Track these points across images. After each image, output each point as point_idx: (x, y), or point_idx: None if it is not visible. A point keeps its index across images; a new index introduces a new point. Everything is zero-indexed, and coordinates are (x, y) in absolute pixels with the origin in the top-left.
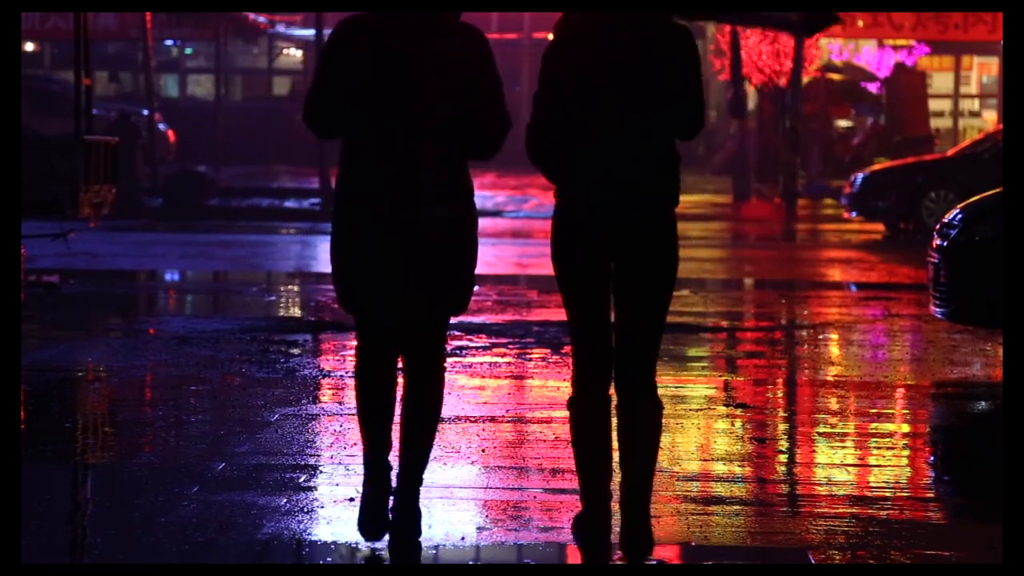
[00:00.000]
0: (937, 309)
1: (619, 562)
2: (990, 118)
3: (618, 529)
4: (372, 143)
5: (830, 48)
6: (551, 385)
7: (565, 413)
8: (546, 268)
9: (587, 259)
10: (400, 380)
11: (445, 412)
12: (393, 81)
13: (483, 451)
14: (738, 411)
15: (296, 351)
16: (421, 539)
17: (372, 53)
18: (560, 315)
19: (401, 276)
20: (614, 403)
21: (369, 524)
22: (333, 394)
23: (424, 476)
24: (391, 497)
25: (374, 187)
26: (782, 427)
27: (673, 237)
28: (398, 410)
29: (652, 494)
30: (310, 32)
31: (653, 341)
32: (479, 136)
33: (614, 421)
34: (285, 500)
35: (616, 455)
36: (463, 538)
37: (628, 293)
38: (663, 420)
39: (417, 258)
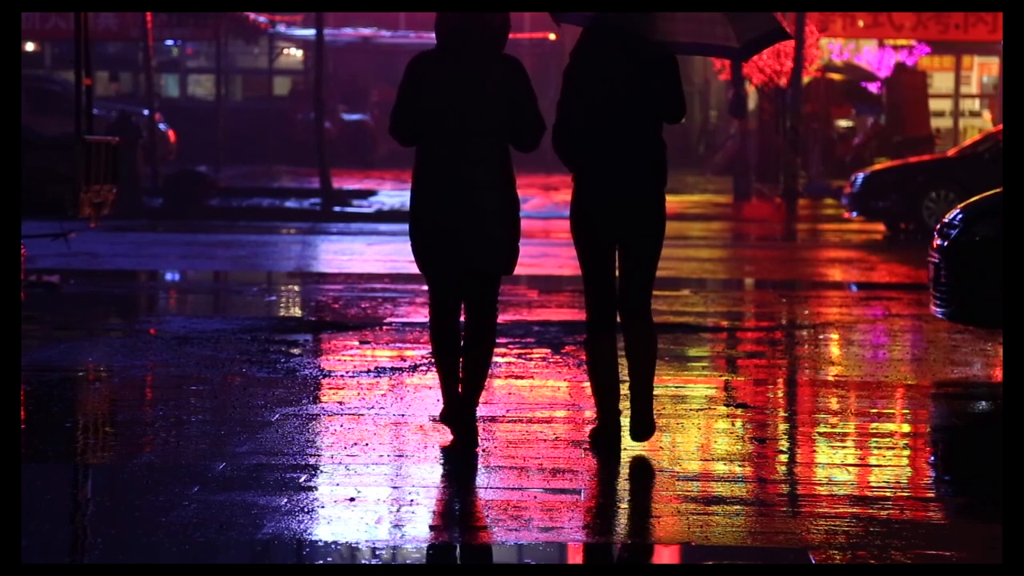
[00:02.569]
0: (937, 309)
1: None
2: (990, 118)
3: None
4: (440, 145)
5: (830, 48)
6: (551, 385)
7: (565, 413)
8: (546, 268)
9: (600, 230)
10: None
11: None
12: (455, 99)
13: (483, 451)
14: (738, 411)
15: (296, 351)
16: (421, 538)
17: (438, 79)
18: (560, 315)
19: (462, 244)
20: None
21: (450, 420)
22: (333, 394)
23: (478, 398)
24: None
25: (442, 178)
26: (782, 427)
27: (663, 209)
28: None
29: (653, 400)
30: (310, 32)
31: (650, 284)
32: (522, 137)
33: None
34: (285, 500)
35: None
36: (463, 538)
37: (632, 251)
38: (664, 422)
39: (474, 230)
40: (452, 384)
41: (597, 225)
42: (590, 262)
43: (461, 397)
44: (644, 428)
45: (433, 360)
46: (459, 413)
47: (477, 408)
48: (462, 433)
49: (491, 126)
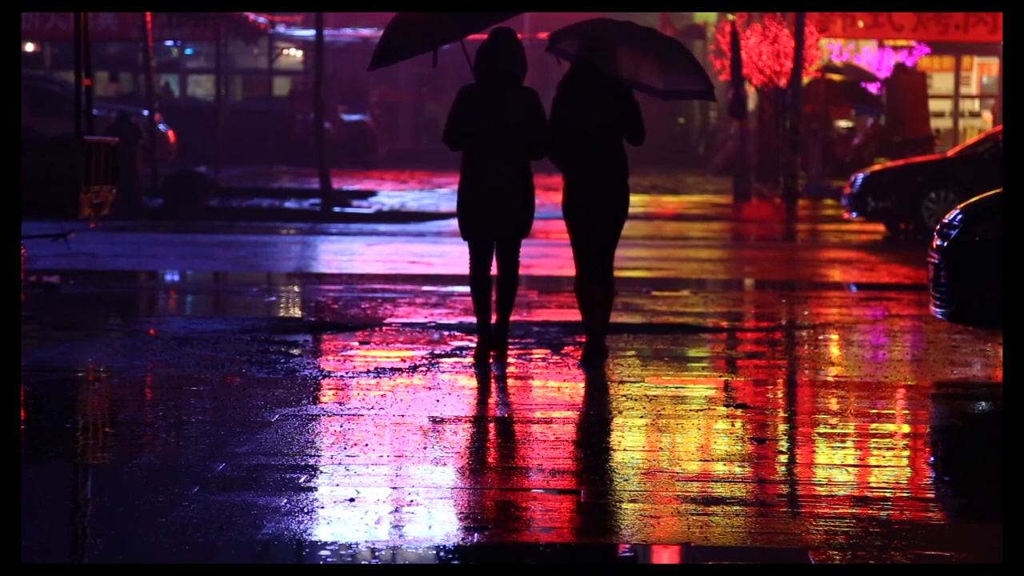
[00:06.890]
0: (937, 309)
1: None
2: (990, 118)
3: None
4: (480, 150)
5: (830, 48)
6: (551, 385)
7: (565, 414)
8: (546, 268)
9: (582, 213)
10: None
11: (446, 412)
12: (491, 117)
13: (483, 451)
14: (738, 411)
15: (296, 351)
16: (421, 538)
17: (477, 104)
18: (559, 315)
19: (494, 217)
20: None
21: (482, 360)
22: (333, 394)
23: (507, 324)
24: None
25: (481, 172)
26: (782, 427)
27: (627, 200)
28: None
29: (607, 330)
30: (310, 32)
31: (613, 251)
32: (534, 146)
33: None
34: (285, 500)
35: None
36: (463, 538)
37: (603, 229)
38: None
39: (503, 208)
40: (486, 318)
41: (581, 211)
42: (578, 235)
43: (495, 324)
44: (599, 351)
45: (472, 302)
46: (495, 334)
47: (507, 331)
48: (495, 345)
49: (514, 137)
